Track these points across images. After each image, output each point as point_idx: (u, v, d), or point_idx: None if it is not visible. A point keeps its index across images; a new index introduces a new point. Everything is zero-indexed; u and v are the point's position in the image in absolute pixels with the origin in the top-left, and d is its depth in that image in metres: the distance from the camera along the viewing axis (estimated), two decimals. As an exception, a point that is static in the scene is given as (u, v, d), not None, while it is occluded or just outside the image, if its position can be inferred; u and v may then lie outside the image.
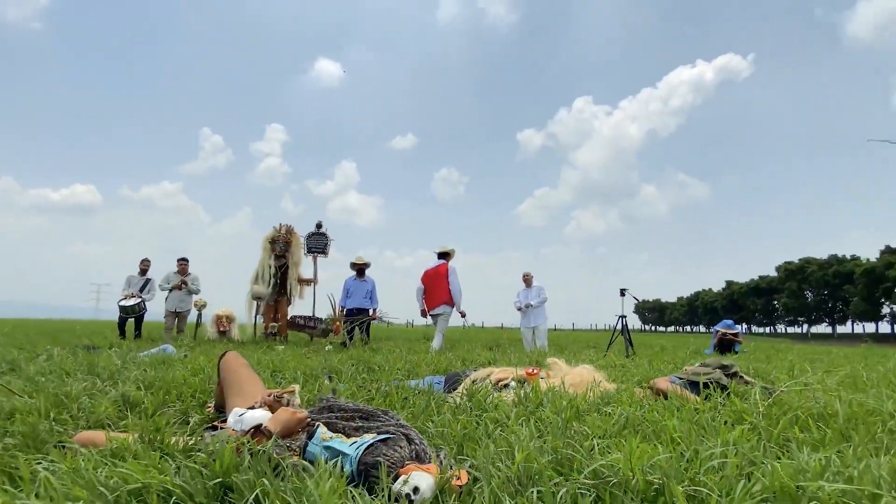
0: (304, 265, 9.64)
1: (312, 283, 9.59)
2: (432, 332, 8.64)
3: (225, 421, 1.96)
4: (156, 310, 9.58)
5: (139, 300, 8.97)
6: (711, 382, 2.74)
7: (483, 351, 6.60)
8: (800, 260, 67.86)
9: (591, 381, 2.94)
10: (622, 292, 8.25)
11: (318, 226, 10.00)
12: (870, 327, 62.71)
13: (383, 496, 1.32)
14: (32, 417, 2.04)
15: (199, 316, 9.68)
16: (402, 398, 2.66)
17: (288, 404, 1.92)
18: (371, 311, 9.08)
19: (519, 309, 9.45)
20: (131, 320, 9.00)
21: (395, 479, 1.39)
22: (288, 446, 1.63)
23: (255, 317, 9.42)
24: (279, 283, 9.09)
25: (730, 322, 8.58)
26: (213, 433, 1.77)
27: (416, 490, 1.32)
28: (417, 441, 1.66)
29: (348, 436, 1.73)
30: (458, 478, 1.40)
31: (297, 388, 2.44)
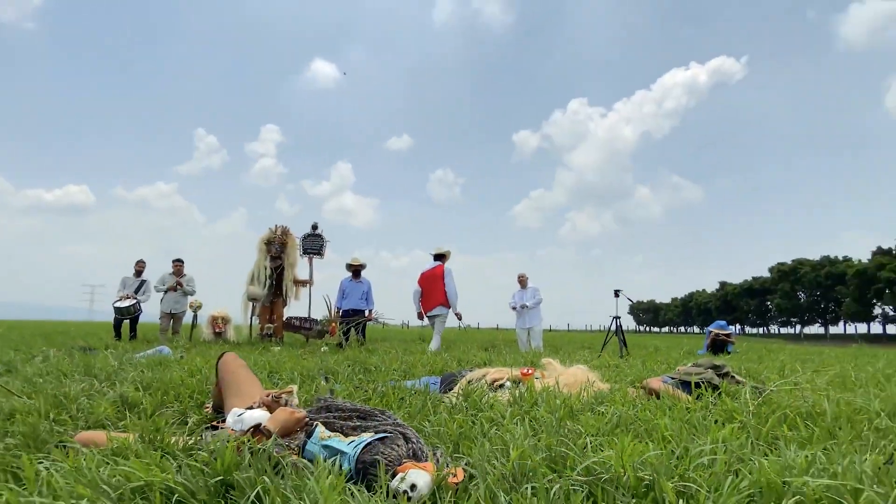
0: (300, 266, 9.64)
1: (308, 285, 9.59)
2: (428, 333, 8.67)
3: (224, 421, 1.98)
4: (151, 311, 9.56)
5: (134, 301, 8.93)
6: (703, 382, 2.79)
7: (479, 352, 6.63)
8: (793, 261, 68.29)
9: (585, 381, 2.98)
10: (616, 293, 8.31)
11: (314, 227, 10.00)
12: (862, 328, 63.23)
13: (382, 493, 1.35)
14: (32, 418, 2.06)
15: (195, 317, 9.65)
16: (399, 398, 2.69)
17: (286, 404, 1.95)
18: (367, 313, 9.09)
19: (514, 309, 9.49)
20: (127, 322, 8.97)
21: (393, 476, 1.42)
22: (287, 445, 1.66)
23: (251, 318, 9.40)
24: (275, 285, 9.08)
25: (723, 323, 8.67)
26: (214, 433, 1.79)
27: (413, 487, 1.35)
28: (414, 440, 1.69)
29: (346, 435, 1.76)
30: (455, 475, 1.44)
31: (294, 388, 2.46)
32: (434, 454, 1.66)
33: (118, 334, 8.78)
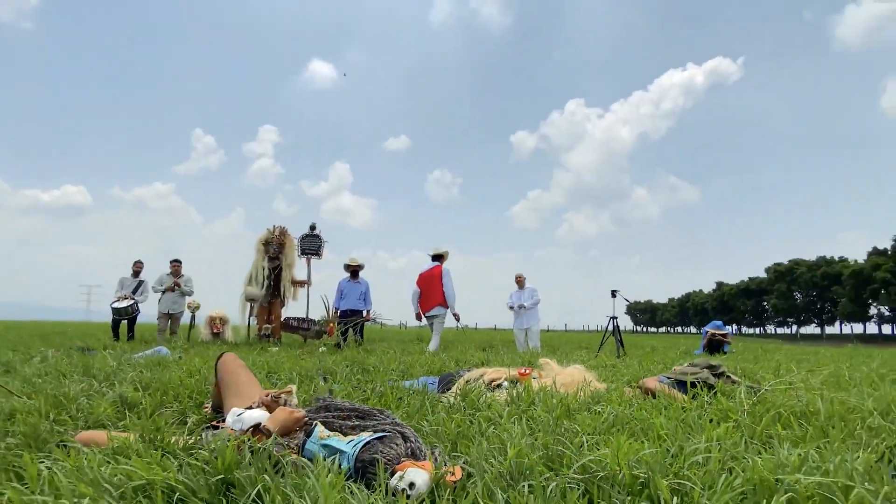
0: (298, 267, 9.65)
1: (306, 285, 9.60)
2: (425, 333, 8.68)
3: (223, 421, 2.00)
4: (149, 311, 9.54)
5: (132, 302, 8.92)
6: (699, 382, 2.81)
7: (476, 352, 6.66)
8: (789, 261, 68.55)
9: (581, 381, 3.00)
10: (613, 294, 8.34)
11: (312, 227, 10.01)
12: (858, 328, 63.58)
13: (381, 491, 1.37)
14: (33, 418, 2.07)
15: (193, 318, 9.64)
16: (397, 398, 2.70)
17: (285, 404, 1.97)
18: (365, 313, 9.10)
19: (512, 309, 9.52)
20: (124, 322, 8.96)
21: (392, 475, 1.43)
22: (287, 444, 1.67)
23: (249, 318, 9.41)
24: (273, 285, 9.09)
25: (719, 323, 8.72)
26: (214, 432, 1.81)
27: (412, 485, 1.36)
28: (413, 439, 1.71)
29: (345, 434, 1.78)
30: (453, 473, 1.45)
31: (293, 388, 2.47)
32: (432, 453, 1.68)
33: (116, 335, 8.77)
